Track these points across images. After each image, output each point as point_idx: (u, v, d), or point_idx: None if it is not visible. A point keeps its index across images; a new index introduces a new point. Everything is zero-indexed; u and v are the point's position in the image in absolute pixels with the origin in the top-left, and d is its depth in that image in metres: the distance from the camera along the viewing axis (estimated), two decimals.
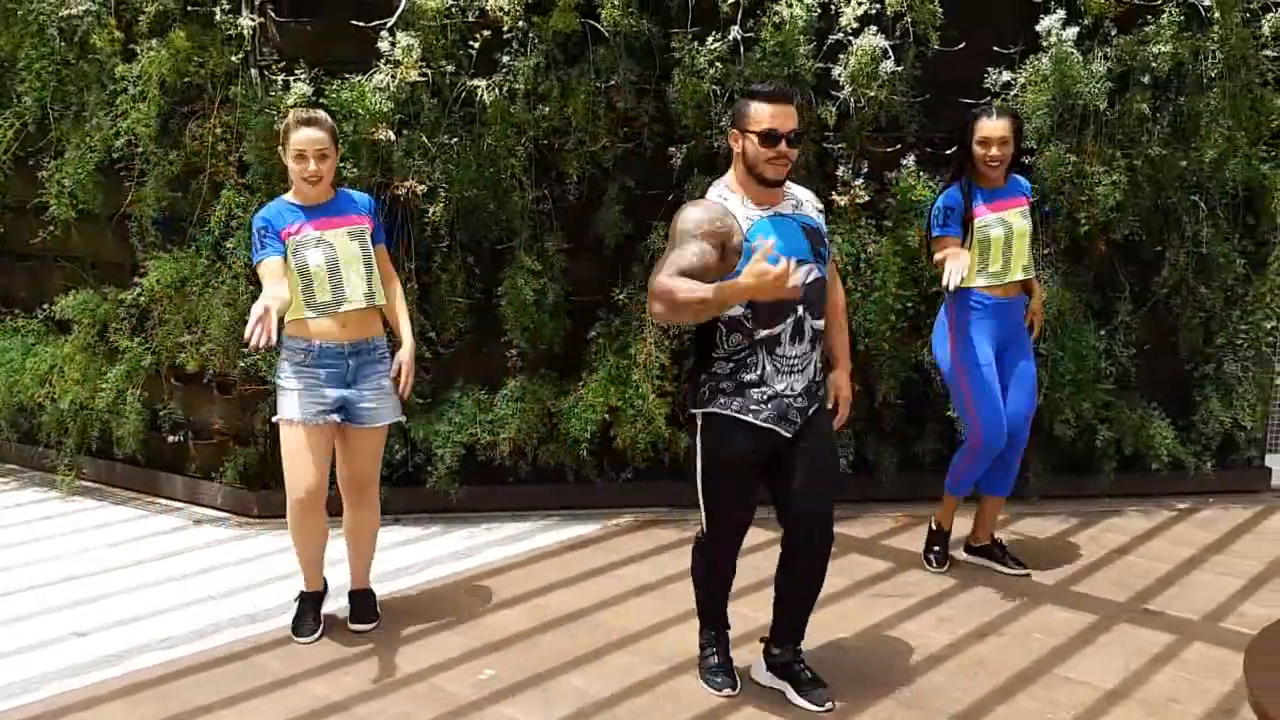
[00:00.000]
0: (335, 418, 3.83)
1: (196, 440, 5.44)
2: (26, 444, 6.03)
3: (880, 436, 5.51)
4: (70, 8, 5.13)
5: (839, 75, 5.02)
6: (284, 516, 5.19)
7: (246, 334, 3.30)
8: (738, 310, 3.29)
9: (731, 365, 3.37)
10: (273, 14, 4.97)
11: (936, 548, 4.73)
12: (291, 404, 3.81)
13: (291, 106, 4.80)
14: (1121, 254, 5.56)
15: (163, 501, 5.53)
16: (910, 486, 5.48)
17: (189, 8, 4.98)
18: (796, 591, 3.54)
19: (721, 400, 3.37)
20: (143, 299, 5.26)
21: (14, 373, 5.59)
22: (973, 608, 4.29)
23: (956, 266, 4.12)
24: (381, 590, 4.39)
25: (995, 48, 5.28)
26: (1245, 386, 5.70)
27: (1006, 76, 5.22)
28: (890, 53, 5.01)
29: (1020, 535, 5.12)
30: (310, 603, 4.07)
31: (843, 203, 5.12)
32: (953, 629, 4.09)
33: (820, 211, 3.52)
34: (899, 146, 5.23)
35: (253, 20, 4.88)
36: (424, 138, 4.93)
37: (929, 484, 5.49)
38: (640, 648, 3.92)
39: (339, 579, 4.30)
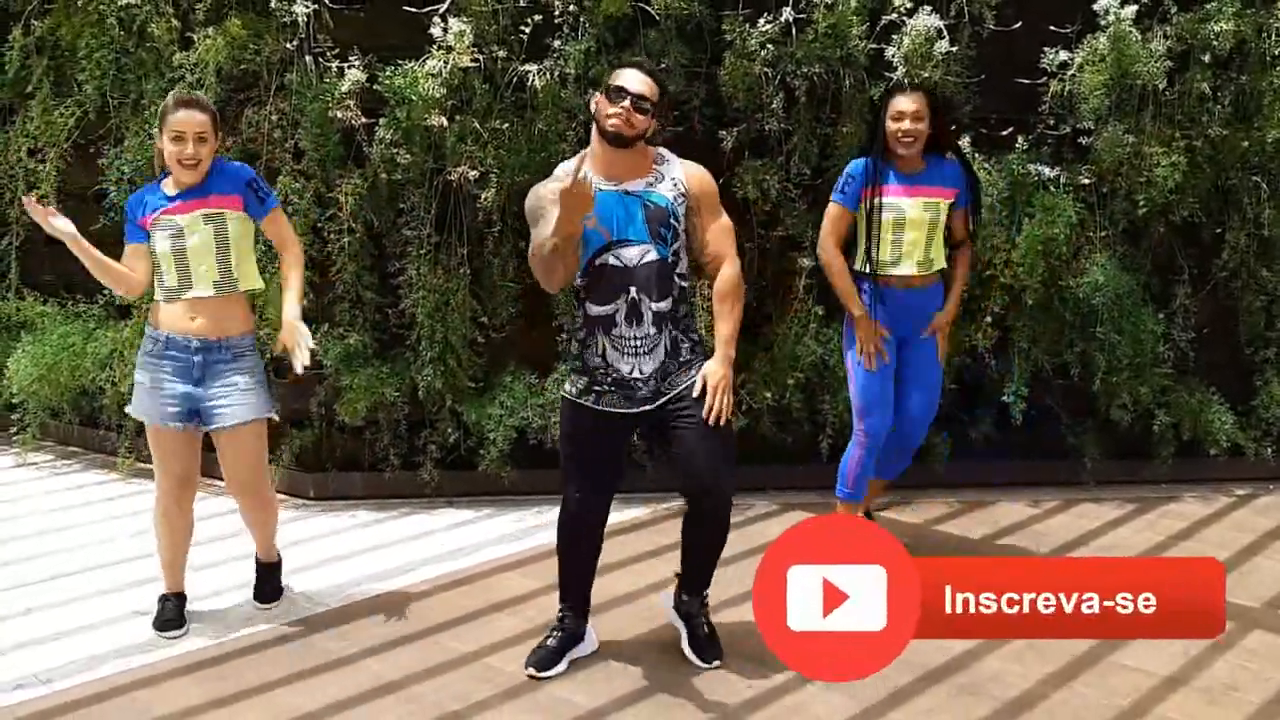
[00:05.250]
0: (189, 425, 3.72)
1: None
2: (88, 427, 6.13)
3: (933, 422, 5.45)
4: None
5: (892, 56, 4.97)
6: (341, 499, 5.33)
7: None
8: (578, 280, 3.44)
9: (577, 345, 3.50)
10: (327, 1, 5.02)
11: None
12: (140, 400, 3.73)
13: (345, 93, 4.86)
14: (1180, 236, 5.46)
15: (220, 484, 5.55)
16: (963, 472, 5.43)
17: None
18: (695, 550, 3.64)
19: (567, 386, 3.52)
20: None
21: (76, 357, 5.68)
22: None
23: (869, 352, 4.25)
24: (435, 572, 4.44)
25: (1052, 27, 5.21)
26: None
27: (1063, 56, 5.14)
28: (945, 33, 4.95)
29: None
30: (173, 602, 3.92)
31: None
32: None
33: (682, 195, 3.47)
34: (954, 128, 5.15)
35: (307, 7, 4.92)
36: (476, 123, 4.94)
37: (982, 469, 5.45)
38: None
39: (380, 564, 4.34)
